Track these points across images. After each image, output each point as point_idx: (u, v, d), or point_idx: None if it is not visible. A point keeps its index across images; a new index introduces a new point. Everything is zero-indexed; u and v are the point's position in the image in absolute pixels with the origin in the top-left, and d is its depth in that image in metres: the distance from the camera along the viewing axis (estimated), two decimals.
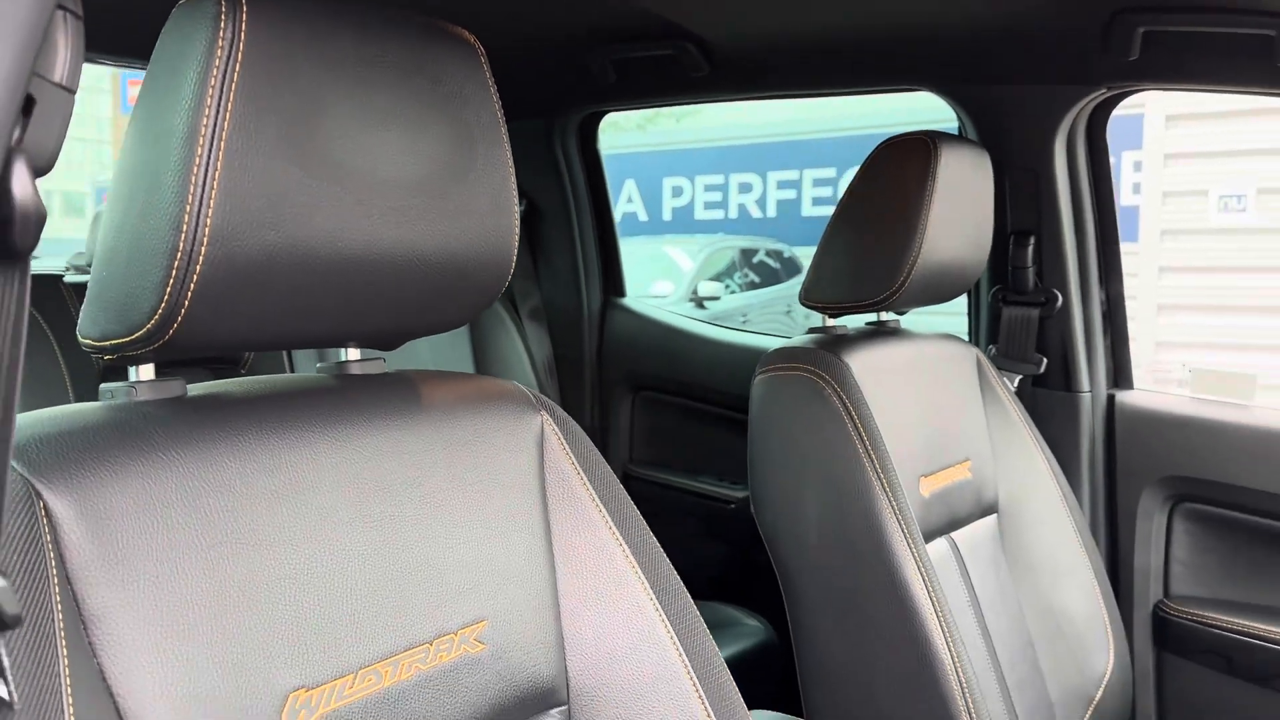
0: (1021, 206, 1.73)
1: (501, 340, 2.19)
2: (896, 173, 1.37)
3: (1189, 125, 5.33)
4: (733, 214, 9.73)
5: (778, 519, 1.34)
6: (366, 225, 0.72)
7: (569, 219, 2.27)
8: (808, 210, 9.31)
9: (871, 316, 1.55)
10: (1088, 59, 1.52)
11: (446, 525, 0.81)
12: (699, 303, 7.19)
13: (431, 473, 0.81)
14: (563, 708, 0.86)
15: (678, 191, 10.06)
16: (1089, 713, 1.53)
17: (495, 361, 2.19)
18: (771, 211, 9.55)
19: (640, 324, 2.28)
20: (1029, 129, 1.68)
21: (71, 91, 0.48)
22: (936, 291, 1.45)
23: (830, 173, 9.13)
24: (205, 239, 0.64)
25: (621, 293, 2.32)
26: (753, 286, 8.17)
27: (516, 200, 0.83)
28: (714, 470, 2.18)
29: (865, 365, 1.35)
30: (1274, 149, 5.06)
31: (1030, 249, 1.73)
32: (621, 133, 10.04)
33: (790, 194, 9.44)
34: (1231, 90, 1.43)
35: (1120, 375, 1.80)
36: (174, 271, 0.64)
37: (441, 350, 2.12)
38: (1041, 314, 1.75)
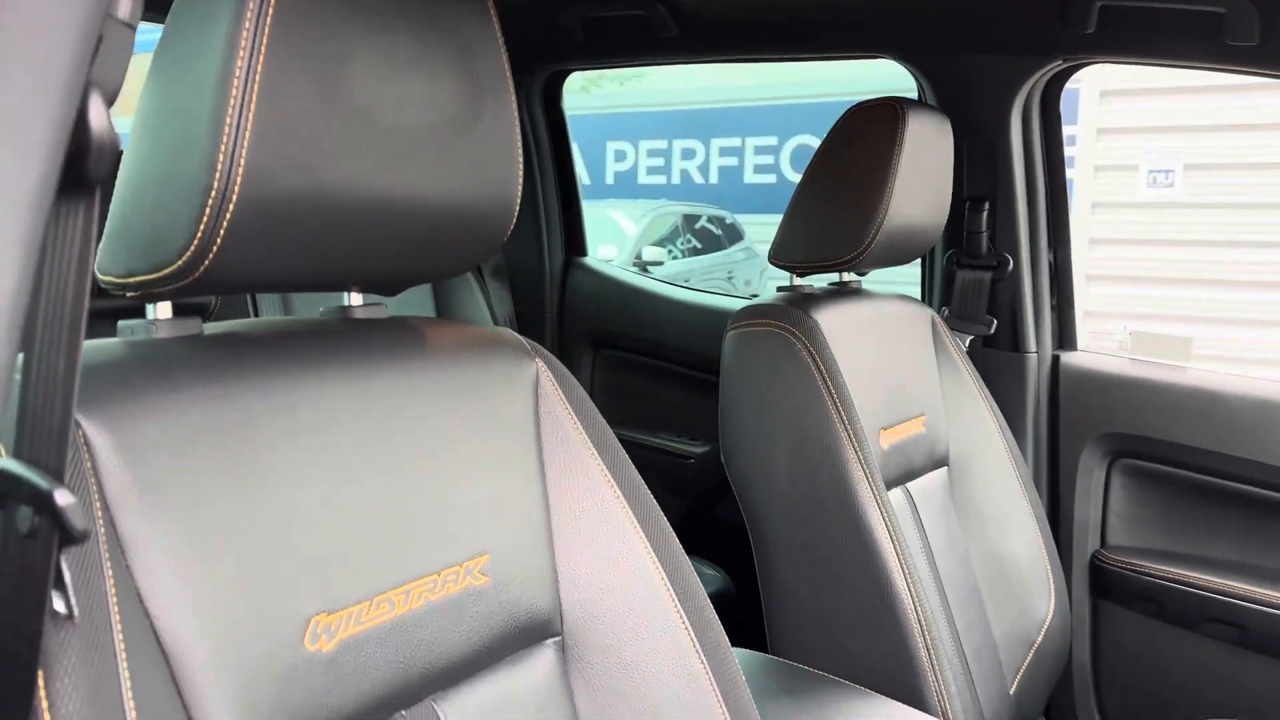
0: (978, 173, 1.79)
1: (464, 297, 2.21)
2: (866, 137, 1.42)
3: (1122, 101, 5.49)
4: (675, 179, 9.76)
5: (748, 467, 1.39)
6: (384, 171, 0.75)
7: (532, 177, 2.29)
8: (749, 178, 9.38)
9: (834, 276, 1.61)
10: (1046, 31, 1.58)
11: (450, 464, 0.84)
12: (642, 267, 7.22)
13: (436, 413, 0.85)
14: (557, 638, 0.91)
15: (620, 155, 10.05)
16: (1030, 654, 1.61)
17: (458, 318, 2.20)
18: (714, 178, 9.60)
19: (601, 283, 2.31)
20: (988, 98, 1.74)
21: (133, 28, 0.50)
22: (900, 253, 1.51)
23: (772, 141, 9.20)
24: (239, 179, 0.66)
25: (583, 252, 2.35)
26: (695, 252, 8.22)
27: (521, 153, 0.86)
28: (674, 427, 2.23)
29: (831, 322, 1.41)
30: (1201, 126, 5.24)
31: (985, 214, 1.80)
32: (564, 94, 9.97)
33: (732, 161, 9.49)
34: (1182, 65, 1.50)
35: (1065, 337, 1.88)
36: (207, 210, 0.66)
37: (405, 306, 2.13)
38: (993, 277, 1.82)
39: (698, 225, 8.41)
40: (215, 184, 0.66)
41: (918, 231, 1.50)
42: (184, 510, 0.66)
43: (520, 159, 0.86)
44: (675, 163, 9.78)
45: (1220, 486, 1.71)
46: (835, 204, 1.44)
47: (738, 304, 2.19)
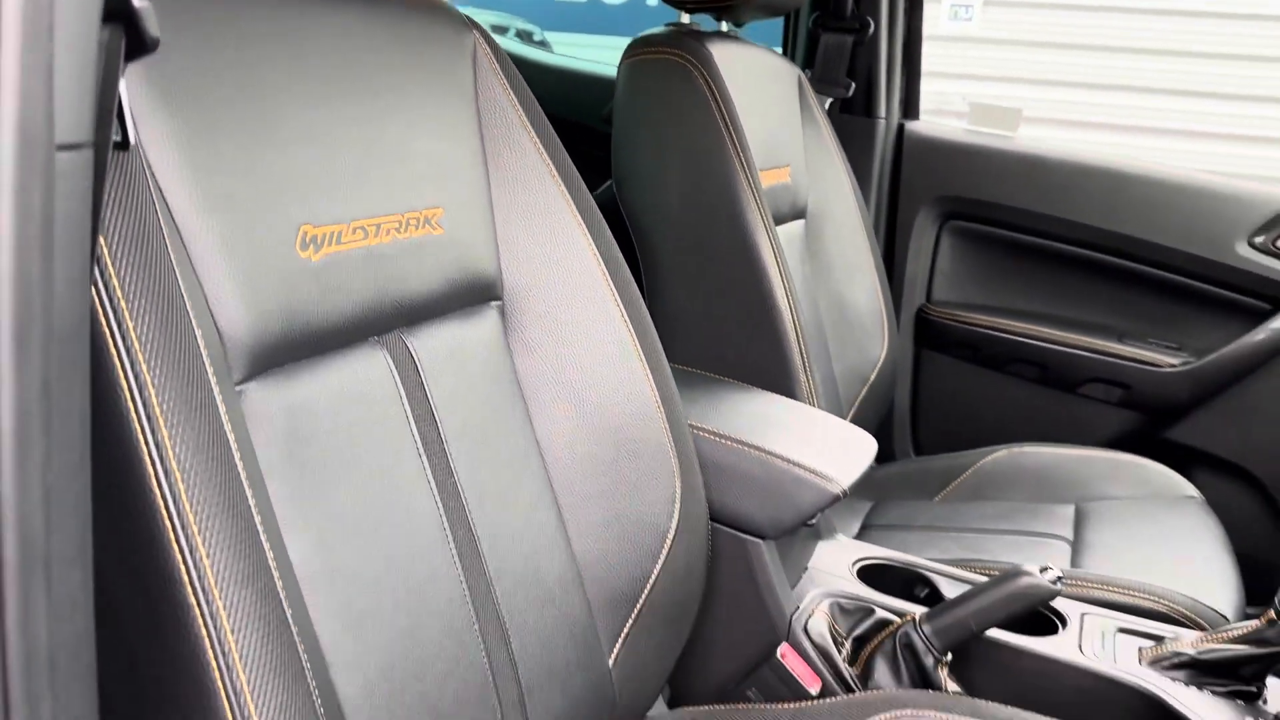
0: None
1: None
2: None
3: None
4: None
5: (641, 192, 1.45)
6: None
7: None
8: None
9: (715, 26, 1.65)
10: None
11: (409, 115, 0.86)
12: None
13: (396, 65, 0.86)
14: (499, 302, 0.96)
15: None
16: (864, 390, 1.80)
17: None
18: None
19: None
20: None
21: None
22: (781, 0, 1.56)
23: None
24: None
25: None
26: None
27: None
28: None
29: (720, 58, 1.46)
30: None
31: None
32: None
33: None
34: None
35: (910, 106, 2.02)
36: None
37: None
38: (855, 40, 1.92)
39: (504, 38, 8.13)
40: None
41: None
42: (193, 107, 0.68)
43: None
44: None
45: (1035, 245, 1.92)
46: None
47: (602, 69, 2.20)
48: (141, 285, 0.56)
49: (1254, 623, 1.03)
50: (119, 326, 0.55)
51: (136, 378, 0.54)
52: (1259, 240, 1.75)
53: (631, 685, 0.97)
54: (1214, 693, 1.03)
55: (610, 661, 0.95)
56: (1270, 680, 1.04)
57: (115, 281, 0.55)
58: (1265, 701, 1.02)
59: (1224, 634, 1.05)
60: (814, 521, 1.18)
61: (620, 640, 0.96)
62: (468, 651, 0.79)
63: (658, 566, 0.98)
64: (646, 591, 0.97)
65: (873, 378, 1.81)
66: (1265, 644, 1.01)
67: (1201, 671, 1.05)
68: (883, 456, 2.10)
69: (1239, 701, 1.02)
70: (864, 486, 1.79)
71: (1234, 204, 1.79)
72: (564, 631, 0.90)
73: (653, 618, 0.98)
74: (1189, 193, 1.81)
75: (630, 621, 0.97)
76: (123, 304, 0.55)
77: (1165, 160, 1.90)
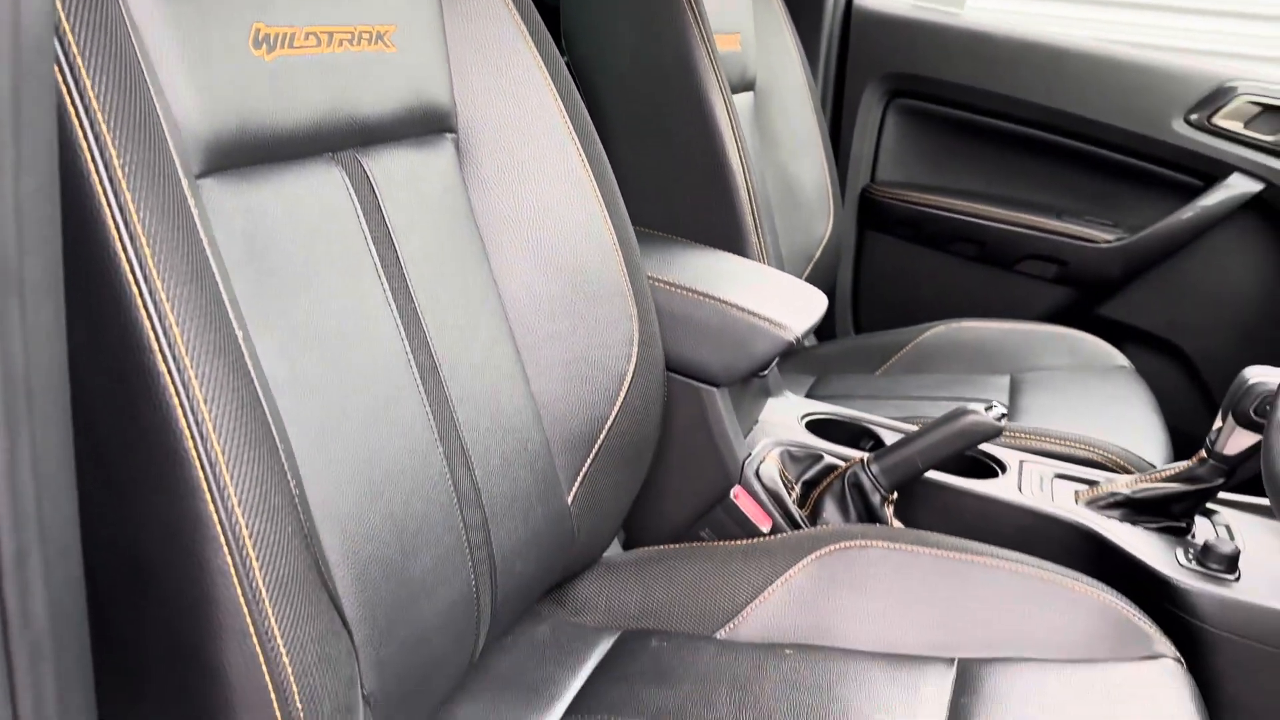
0: None
1: None
2: None
3: None
4: None
5: (589, 51, 1.42)
6: None
7: None
8: None
9: None
10: None
11: None
12: None
13: None
14: (454, 134, 0.94)
15: None
16: (809, 268, 1.81)
17: None
18: None
19: None
20: None
21: None
22: None
23: None
24: None
25: None
26: None
27: None
28: None
29: None
30: None
31: None
32: None
33: None
34: None
35: None
36: None
37: None
38: None
39: None
40: None
41: None
42: None
43: None
44: None
45: (978, 123, 1.93)
46: None
47: None
48: (97, 46, 0.54)
49: (1185, 463, 1.07)
50: (75, 84, 0.52)
51: (97, 139, 0.52)
52: (1194, 117, 1.78)
53: (589, 523, 0.98)
54: (1146, 528, 1.07)
55: (569, 499, 0.96)
56: (1198, 519, 1.09)
57: (70, 37, 0.52)
58: (1193, 535, 1.07)
59: (1157, 474, 1.10)
60: (765, 374, 1.20)
61: (578, 479, 0.97)
62: (432, 471, 0.79)
63: (615, 409, 0.98)
64: (604, 433, 0.98)
65: (817, 255, 1.82)
66: (1196, 481, 1.05)
67: (1135, 510, 1.09)
68: (825, 334, 2.14)
69: (1169, 536, 1.07)
70: (807, 362, 1.81)
71: (1171, 80, 1.81)
72: (524, 464, 0.90)
73: (610, 459, 0.99)
74: (1128, 69, 1.83)
75: (588, 461, 0.97)
76: (79, 60, 0.52)
77: None
